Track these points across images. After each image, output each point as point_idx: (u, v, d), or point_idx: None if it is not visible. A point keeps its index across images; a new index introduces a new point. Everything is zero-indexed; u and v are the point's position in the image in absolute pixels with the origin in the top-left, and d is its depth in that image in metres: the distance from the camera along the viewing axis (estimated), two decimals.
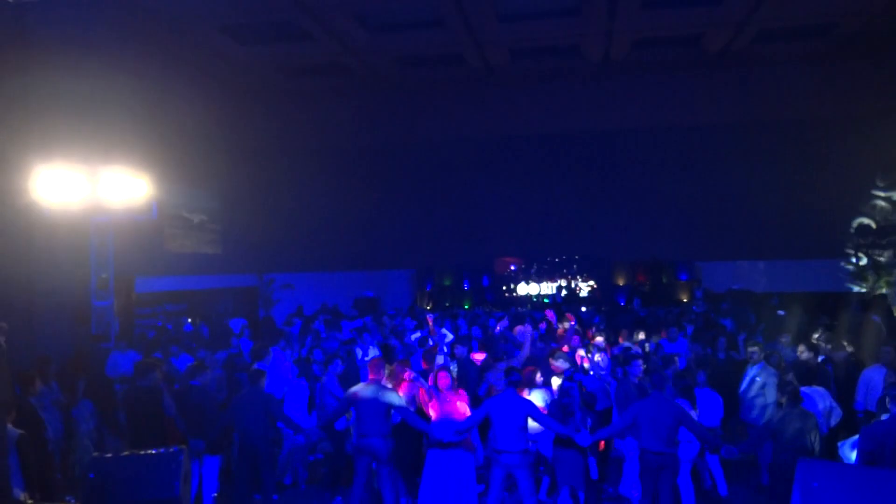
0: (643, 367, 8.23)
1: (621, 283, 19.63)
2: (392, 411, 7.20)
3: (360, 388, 7.37)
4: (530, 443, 7.04)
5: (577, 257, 19.83)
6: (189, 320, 15.49)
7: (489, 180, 20.00)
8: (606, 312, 15.26)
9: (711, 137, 18.76)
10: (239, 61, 17.04)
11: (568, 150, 19.44)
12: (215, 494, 7.92)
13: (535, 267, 20.09)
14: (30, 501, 6.67)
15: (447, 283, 20.44)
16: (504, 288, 20.17)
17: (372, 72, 18.24)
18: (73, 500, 7.53)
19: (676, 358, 8.89)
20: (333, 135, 20.15)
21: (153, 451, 6.56)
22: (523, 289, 20.10)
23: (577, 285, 19.77)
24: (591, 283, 19.78)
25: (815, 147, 17.68)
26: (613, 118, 19.12)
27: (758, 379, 8.49)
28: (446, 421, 7.22)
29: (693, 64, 17.93)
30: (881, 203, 16.28)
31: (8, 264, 9.62)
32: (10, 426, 6.68)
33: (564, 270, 19.90)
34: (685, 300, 18.41)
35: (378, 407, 7.14)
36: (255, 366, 8.37)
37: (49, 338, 10.08)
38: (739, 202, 18.43)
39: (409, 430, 7.53)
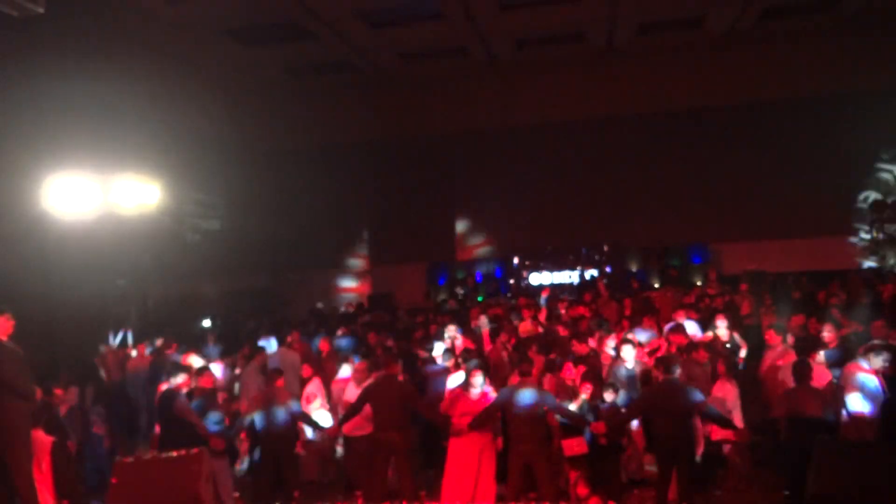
0: None
1: (634, 269, 19.52)
2: (408, 404, 7.25)
3: (374, 384, 7.41)
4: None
5: (589, 244, 19.70)
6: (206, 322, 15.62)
7: (496, 172, 19.93)
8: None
9: (718, 119, 18.59)
10: (245, 63, 17.10)
11: (574, 138, 19.31)
12: (236, 495, 7.99)
13: (546, 256, 19.98)
14: None
15: (460, 275, 20.43)
16: (517, 278, 20.08)
17: (377, 68, 18.25)
18: None
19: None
20: (341, 132, 20.13)
21: (174, 454, 6.66)
22: (536, 279, 20.02)
23: (590, 273, 19.63)
24: (605, 269, 19.64)
25: (822, 124, 17.52)
26: (619, 104, 18.99)
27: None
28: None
29: (697, 46, 17.79)
30: (885, 176, 16.29)
31: (24, 275, 9.74)
32: (42, 433, 6.80)
33: (577, 258, 19.76)
34: (699, 284, 18.29)
35: (394, 400, 7.19)
36: (271, 366, 8.44)
37: (68, 347, 10.21)
38: (749, 182, 18.31)
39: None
